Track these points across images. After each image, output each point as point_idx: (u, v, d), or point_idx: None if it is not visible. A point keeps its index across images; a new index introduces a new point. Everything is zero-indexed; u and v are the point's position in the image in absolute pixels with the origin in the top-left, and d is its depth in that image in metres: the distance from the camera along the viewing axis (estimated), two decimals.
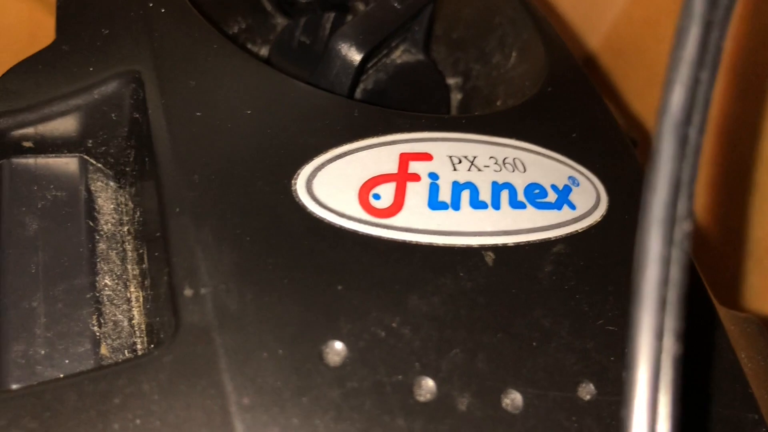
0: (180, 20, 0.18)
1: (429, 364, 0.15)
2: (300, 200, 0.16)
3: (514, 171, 0.18)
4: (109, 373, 0.14)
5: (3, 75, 0.18)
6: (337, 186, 0.16)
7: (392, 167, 0.17)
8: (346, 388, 0.14)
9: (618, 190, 0.19)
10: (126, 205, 0.19)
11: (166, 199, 0.15)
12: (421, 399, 0.14)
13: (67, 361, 0.16)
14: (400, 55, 0.23)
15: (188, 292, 0.14)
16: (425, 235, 0.16)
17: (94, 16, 0.19)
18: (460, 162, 0.18)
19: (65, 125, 0.18)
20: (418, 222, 0.16)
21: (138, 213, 0.18)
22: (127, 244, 0.18)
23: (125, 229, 0.18)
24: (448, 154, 0.18)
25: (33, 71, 0.18)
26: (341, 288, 0.15)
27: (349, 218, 0.16)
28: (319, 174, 0.16)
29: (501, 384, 0.15)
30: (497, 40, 0.25)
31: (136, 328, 0.17)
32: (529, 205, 0.18)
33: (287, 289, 0.15)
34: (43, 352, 0.16)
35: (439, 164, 0.17)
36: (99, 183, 0.19)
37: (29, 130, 0.18)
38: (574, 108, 0.21)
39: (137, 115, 0.18)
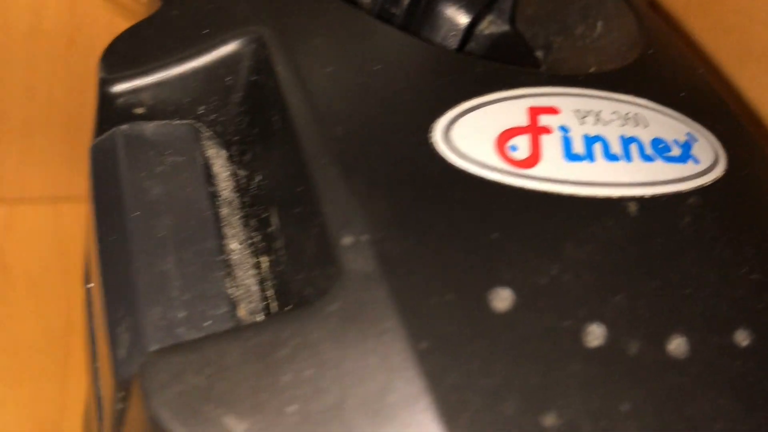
0: None
1: (594, 310, 0.14)
2: (441, 152, 0.15)
3: (637, 126, 0.18)
4: (271, 325, 0.13)
5: (113, 40, 0.18)
6: (474, 138, 0.16)
7: (523, 120, 0.17)
8: (517, 333, 0.13)
9: (733, 146, 0.19)
10: (237, 173, 0.18)
11: (309, 153, 0.15)
12: (591, 344, 0.14)
13: (206, 323, 0.15)
14: (487, 26, 0.23)
15: (347, 240, 0.14)
16: (567, 186, 0.16)
17: None
18: (585, 116, 0.17)
19: (179, 91, 0.18)
20: (557, 173, 0.16)
21: (257, 178, 0.17)
22: (245, 209, 0.18)
23: (241, 195, 0.18)
24: (573, 108, 0.17)
25: (144, 36, 0.18)
26: (496, 236, 0.14)
27: (491, 168, 0.15)
28: (455, 127, 0.16)
29: (664, 329, 0.14)
30: (579, 13, 0.24)
31: (267, 293, 0.16)
32: (657, 158, 0.17)
33: (444, 237, 0.14)
34: (181, 314, 0.15)
35: (567, 118, 0.17)
36: (212, 150, 0.18)
37: (142, 96, 0.18)
38: (676, 68, 0.21)
39: (256, 78, 0.17)
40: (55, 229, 0.50)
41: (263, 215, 0.17)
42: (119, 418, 0.15)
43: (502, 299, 0.14)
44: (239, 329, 0.14)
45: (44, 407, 0.44)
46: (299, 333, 0.13)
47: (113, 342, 0.15)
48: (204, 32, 0.17)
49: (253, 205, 0.17)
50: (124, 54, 0.17)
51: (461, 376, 0.13)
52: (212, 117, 0.18)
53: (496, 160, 0.16)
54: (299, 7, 0.17)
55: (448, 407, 0.12)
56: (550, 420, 0.13)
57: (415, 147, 0.15)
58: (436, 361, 0.13)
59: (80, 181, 0.53)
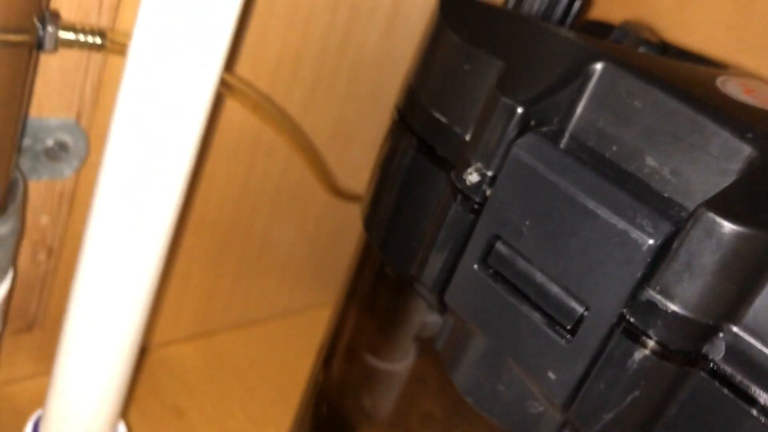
0: None
1: None
2: (728, 94, 0.28)
3: None
4: None
5: (504, 77, 0.28)
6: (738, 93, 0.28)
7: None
8: None
9: None
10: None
11: (695, 105, 0.26)
12: None
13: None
14: None
15: (750, 135, 0.25)
16: None
17: None
18: None
19: (551, 107, 0.28)
20: None
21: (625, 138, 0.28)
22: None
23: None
24: None
25: (522, 71, 0.28)
26: None
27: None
28: (725, 86, 0.28)
29: None
30: None
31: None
32: None
33: None
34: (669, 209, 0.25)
35: None
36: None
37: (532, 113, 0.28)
38: None
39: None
40: (204, 364, 0.53)
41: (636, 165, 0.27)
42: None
43: None
44: None
45: None
46: None
47: (642, 227, 0.24)
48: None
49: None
50: (519, 87, 0.27)
51: None
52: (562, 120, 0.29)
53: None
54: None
55: None
56: None
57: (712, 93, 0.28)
58: None
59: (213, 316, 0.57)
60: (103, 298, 0.33)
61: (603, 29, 0.39)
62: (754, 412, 0.24)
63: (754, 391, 0.24)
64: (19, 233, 0.34)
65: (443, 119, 0.31)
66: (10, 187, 0.32)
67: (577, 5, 0.36)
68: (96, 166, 0.43)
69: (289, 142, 0.48)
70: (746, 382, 0.24)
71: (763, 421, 0.24)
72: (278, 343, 0.59)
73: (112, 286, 0.33)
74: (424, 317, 0.35)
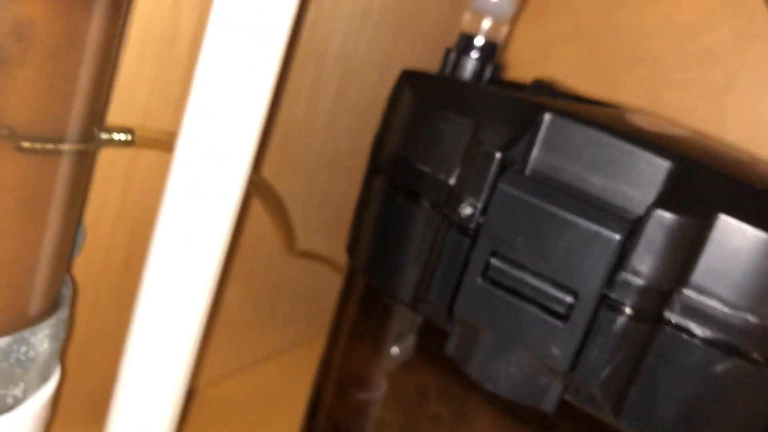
0: None
1: None
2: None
3: None
4: None
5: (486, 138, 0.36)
6: None
7: None
8: None
9: None
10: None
11: (619, 136, 0.36)
12: None
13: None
14: None
15: (668, 161, 0.35)
16: None
17: None
18: None
19: (516, 151, 0.37)
20: None
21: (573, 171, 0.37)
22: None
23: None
24: None
25: (501, 124, 0.36)
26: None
27: None
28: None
29: None
30: None
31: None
32: None
33: None
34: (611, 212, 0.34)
35: None
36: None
37: (508, 155, 0.36)
38: None
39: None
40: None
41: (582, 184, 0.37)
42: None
43: None
44: None
45: None
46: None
47: (610, 227, 0.33)
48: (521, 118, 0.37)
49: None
50: (491, 137, 0.36)
51: None
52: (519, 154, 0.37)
53: None
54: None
55: None
56: None
57: (629, 126, 0.38)
58: None
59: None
60: (156, 357, 0.38)
61: (511, 86, 0.49)
62: (697, 342, 0.33)
63: (697, 329, 0.34)
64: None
65: (427, 170, 0.39)
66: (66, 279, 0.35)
67: (497, 71, 0.45)
68: (86, 251, 0.47)
69: (265, 204, 0.54)
70: (695, 326, 0.34)
71: (702, 346, 0.33)
72: (235, 401, 0.63)
73: (163, 345, 0.38)
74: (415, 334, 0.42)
